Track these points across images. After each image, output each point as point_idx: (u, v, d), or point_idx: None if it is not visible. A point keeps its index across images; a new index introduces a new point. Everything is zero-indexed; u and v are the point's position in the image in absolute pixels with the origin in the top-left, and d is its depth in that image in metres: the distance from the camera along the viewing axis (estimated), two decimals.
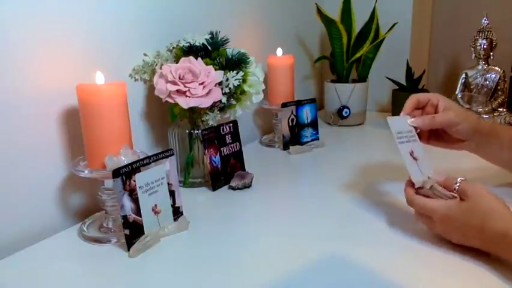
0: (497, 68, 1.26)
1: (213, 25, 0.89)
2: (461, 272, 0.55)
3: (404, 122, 0.70)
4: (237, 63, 0.83)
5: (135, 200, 0.61)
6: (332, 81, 1.37)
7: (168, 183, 0.66)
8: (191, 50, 0.82)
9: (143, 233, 0.62)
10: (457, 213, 0.57)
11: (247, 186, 0.84)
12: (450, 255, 0.58)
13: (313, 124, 1.11)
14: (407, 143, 0.67)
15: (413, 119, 0.70)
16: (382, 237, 0.64)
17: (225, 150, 0.86)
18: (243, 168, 0.89)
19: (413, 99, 0.72)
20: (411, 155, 0.67)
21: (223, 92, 0.81)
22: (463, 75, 1.29)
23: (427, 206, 0.60)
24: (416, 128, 0.71)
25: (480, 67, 1.27)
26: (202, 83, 0.76)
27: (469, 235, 0.56)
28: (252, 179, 0.85)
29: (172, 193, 0.67)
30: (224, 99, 0.81)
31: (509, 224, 0.53)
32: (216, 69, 0.79)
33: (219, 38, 0.85)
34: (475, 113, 1.11)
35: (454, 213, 0.57)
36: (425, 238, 0.62)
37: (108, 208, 0.67)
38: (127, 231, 0.61)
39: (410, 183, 0.64)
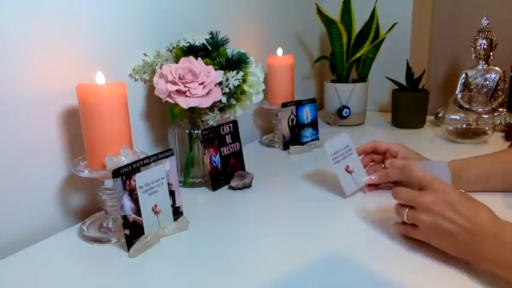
0: (497, 68, 1.26)
1: (213, 25, 0.89)
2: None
3: (343, 139, 0.79)
4: (237, 63, 0.83)
5: (135, 200, 0.61)
6: (332, 81, 1.37)
7: (168, 183, 0.66)
8: (191, 50, 0.82)
9: (143, 233, 0.62)
10: (455, 191, 0.56)
11: (247, 186, 0.84)
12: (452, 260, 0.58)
13: (313, 124, 1.11)
14: (343, 160, 0.78)
15: (368, 177, 0.78)
16: (382, 238, 0.64)
17: (225, 150, 0.86)
18: (243, 168, 0.89)
19: (370, 145, 0.81)
20: (346, 169, 0.78)
21: (223, 92, 0.81)
22: (463, 75, 1.29)
23: (427, 175, 0.59)
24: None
25: (480, 67, 1.27)
26: (202, 83, 0.76)
27: (460, 213, 0.54)
28: (252, 179, 0.85)
29: (172, 193, 0.67)
30: (224, 99, 0.81)
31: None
32: (216, 69, 0.79)
33: (219, 38, 0.85)
34: (475, 113, 1.11)
35: (452, 190, 0.56)
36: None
37: (108, 208, 0.67)
38: (127, 231, 0.61)
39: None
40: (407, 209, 0.59)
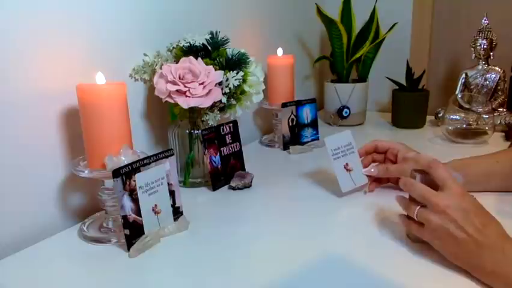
0: (497, 68, 1.26)
1: (213, 25, 0.89)
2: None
3: (344, 137, 0.79)
4: (237, 63, 0.83)
5: (135, 200, 0.61)
6: (332, 81, 1.37)
7: (168, 183, 0.66)
8: (191, 50, 0.82)
9: (143, 233, 0.62)
10: (472, 201, 0.56)
11: (247, 186, 0.84)
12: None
13: (314, 124, 1.11)
14: (343, 157, 0.78)
15: (367, 169, 0.79)
16: (383, 238, 0.64)
17: (225, 150, 0.86)
18: (243, 168, 0.89)
19: (371, 145, 0.81)
20: (345, 167, 0.78)
21: (223, 92, 0.81)
22: (463, 75, 1.29)
23: (450, 177, 0.57)
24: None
25: (480, 67, 1.27)
26: (202, 83, 0.76)
27: (473, 222, 0.53)
28: (252, 179, 0.85)
29: (172, 193, 0.67)
30: (224, 99, 0.81)
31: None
32: (216, 69, 0.79)
33: (219, 38, 0.85)
34: (475, 113, 1.11)
35: (470, 199, 0.55)
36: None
37: (108, 208, 0.67)
38: (127, 231, 0.61)
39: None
40: (418, 207, 0.57)
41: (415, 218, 0.58)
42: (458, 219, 0.53)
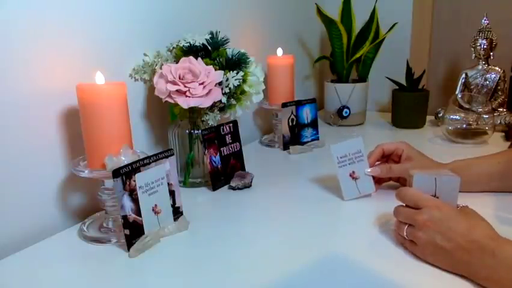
0: (497, 68, 1.26)
1: (213, 25, 0.89)
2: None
3: (354, 144, 0.76)
4: (237, 63, 0.83)
5: (135, 200, 0.61)
6: (332, 81, 1.37)
7: (168, 183, 0.66)
8: (191, 50, 0.82)
9: (143, 233, 0.62)
10: (450, 209, 0.56)
11: (247, 186, 0.84)
12: None
13: (314, 124, 1.11)
14: (350, 165, 0.76)
15: (371, 169, 0.77)
16: (384, 239, 0.64)
17: (225, 150, 0.86)
18: (243, 168, 0.89)
19: (378, 150, 0.79)
20: (351, 175, 0.76)
21: (223, 92, 0.81)
22: (463, 75, 1.29)
23: (421, 195, 0.59)
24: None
25: (480, 67, 1.27)
26: (202, 83, 0.76)
27: (455, 230, 0.54)
28: (252, 179, 0.85)
29: (172, 193, 0.67)
30: (224, 99, 0.81)
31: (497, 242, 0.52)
32: (216, 69, 0.79)
33: (219, 38, 0.85)
34: (475, 113, 1.11)
35: (448, 208, 0.56)
36: None
37: (108, 208, 0.67)
38: (127, 231, 0.61)
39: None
40: (406, 226, 0.59)
41: (406, 238, 0.59)
42: (440, 229, 0.55)
